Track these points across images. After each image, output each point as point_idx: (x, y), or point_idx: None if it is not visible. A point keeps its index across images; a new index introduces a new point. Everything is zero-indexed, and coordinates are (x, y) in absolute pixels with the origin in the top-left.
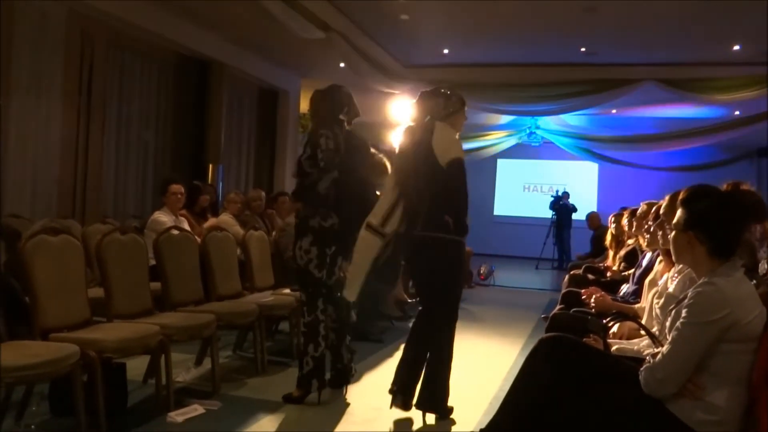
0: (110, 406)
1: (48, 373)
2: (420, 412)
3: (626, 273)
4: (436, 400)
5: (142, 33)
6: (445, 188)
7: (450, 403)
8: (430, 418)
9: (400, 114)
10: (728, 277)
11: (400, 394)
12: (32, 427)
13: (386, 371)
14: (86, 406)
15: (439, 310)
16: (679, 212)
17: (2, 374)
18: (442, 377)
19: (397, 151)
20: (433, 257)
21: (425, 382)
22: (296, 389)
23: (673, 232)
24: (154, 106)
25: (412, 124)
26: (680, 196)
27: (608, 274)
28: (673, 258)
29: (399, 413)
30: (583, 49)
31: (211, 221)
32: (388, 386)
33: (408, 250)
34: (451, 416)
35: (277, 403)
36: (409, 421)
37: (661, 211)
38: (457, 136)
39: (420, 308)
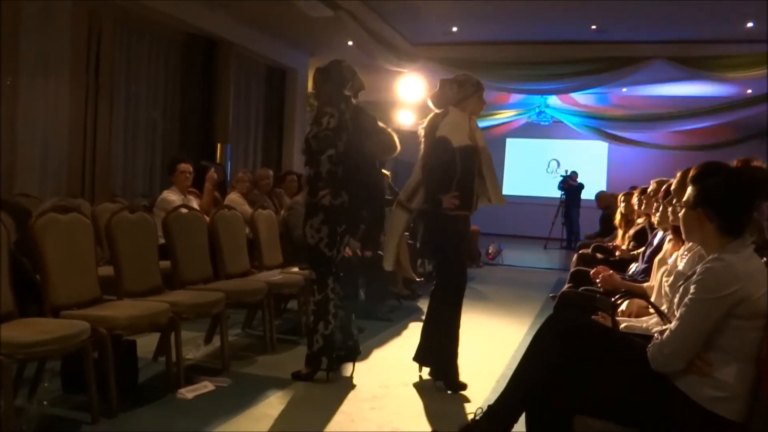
0: (121, 382)
1: (59, 350)
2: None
3: (635, 252)
4: (443, 371)
5: (150, 12)
6: (440, 167)
7: (463, 379)
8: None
9: (408, 93)
10: (738, 254)
11: (423, 364)
12: (45, 403)
13: (394, 349)
14: (97, 383)
15: (438, 283)
16: (689, 189)
17: (14, 350)
18: (448, 350)
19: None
20: (426, 230)
21: (435, 353)
22: (305, 367)
23: (683, 210)
24: (162, 86)
25: (436, 111)
26: (690, 174)
27: (617, 253)
28: (683, 236)
29: (406, 388)
30: (593, 27)
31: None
32: (396, 364)
33: (416, 222)
34: (464, 392)
35: (286, 380)
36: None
37: (672, 189)
38: (466, 121)
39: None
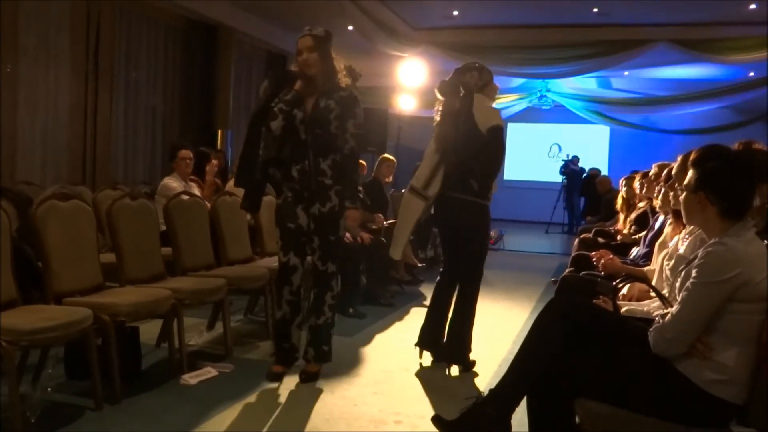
0: (124, 369)
1: (62, 336)
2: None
3: (637, 236)
4: (460, 353)
5: None
6: (481, 153)
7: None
8: (454, 370)
9: (409, 77)
10: (739, 237)
11: (426, 348)
12: (48, 389)
13: (396, 335)
14: (101, 369)
15: (464, 269)
16: (690, 173)
17: (18, 337)
18: (466, 332)
19: (437, 119)
20: (459, 218)
21: (450, 337)
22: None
23: (684, 193)
24: (162, 72)
25: (442, 98)
26: (691, 157)
27: (618, 237)
28: (684, 219)
29: (408, 373)
30: (595, 10)
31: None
32: (398, 349)
33: (442, 209)
34: (474, 369)
35: None
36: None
37: (673, 172)
38: (494, 105)
39: (442, 268)
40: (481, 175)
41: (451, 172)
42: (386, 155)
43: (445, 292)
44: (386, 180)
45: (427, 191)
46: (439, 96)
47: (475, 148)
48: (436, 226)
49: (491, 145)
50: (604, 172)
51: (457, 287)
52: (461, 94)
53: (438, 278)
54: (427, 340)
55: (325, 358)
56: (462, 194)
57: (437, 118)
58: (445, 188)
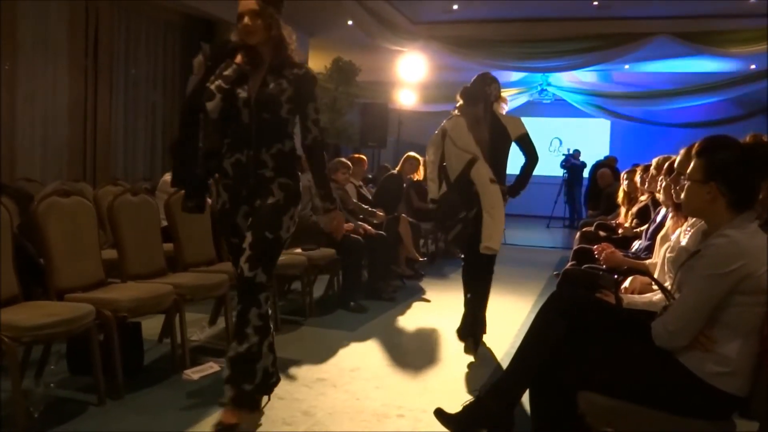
0: (127, 364)
1: (64, 332)
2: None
3: (638, 229)
4: (479, 331)
5: None
6: (506, 155)
7: (463, 360)
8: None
9: (409, 72)
10: (743, 230)
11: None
12: (51, 385)
13: (398, 329)
14: (103, 365)
15: (491, 256)
16: (695, 163)
17: (20, 333)
18: (484, 311)
19: (469, 129)
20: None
21: (473, 316)
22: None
23: (689, 184)
24: (161, 68)
25: (458, 110)
26: (696, 147)
27: (620, 231)
28: (685, 210)
29: (410, 367)
30: (595, 3)
31: None
32: (400, 344)
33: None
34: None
35: (291, 360)
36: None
37: (676, 164)
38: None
39: (469, 259)
40: (526, 173)
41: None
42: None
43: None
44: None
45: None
46: (459, 100)
47: (506, 152)
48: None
49: (528, 150)
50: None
51: (479, 268)
52: (483, 103)
53: (465, 269)
54: (471, 330)
55: (248, 403)
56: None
57: (464, 122)
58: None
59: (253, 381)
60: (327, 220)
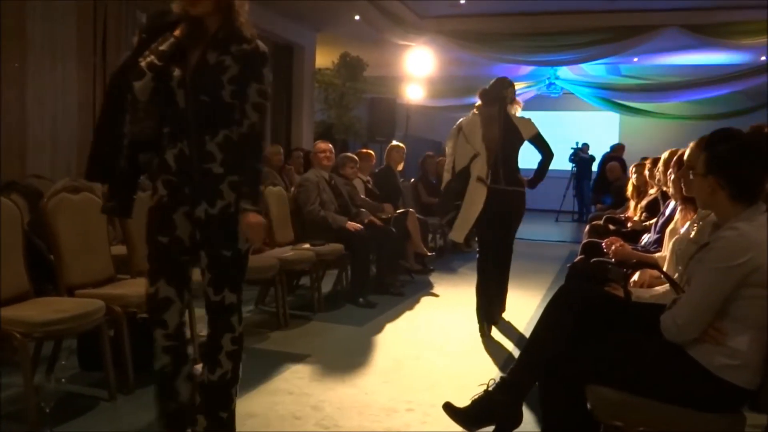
0: (137, 359)
1: (75, 328)
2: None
3: (647, 223)
4: (495, 312)
5: None
6: (516, 153)
7: (472, 354)
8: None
9: (417, 66)
10: (751, 222)
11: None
12: (62, 380)
13: (406, 324)
14: (113, 360)
15: (509, 245)
16: (701, 157)
17: (31, 329)
18: (503, 294)
19: (481, 126)
20: (512, 205)
21: (496, 299)
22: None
23: (694, 178)
24: None
25: (476, 109)
26: (704, 141)
27: (629, 224)
28: (698, 204)
29: (418, 361)
30: None
31: None
32: (408, 338)
33: (496, 199)
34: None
35: (300, 355)
36: None
37: (686, 158)
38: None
39: (483, 250)
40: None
41: (500, 169)
42: (395, 142)
43: (490, 270)
44: (397, 168)
45: (487, 180)
46: (479, 100)
47: (517, 150)
48: (487, 213)
49: (543, 148)
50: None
51: (496, 257)
52: (498, 104)
53: (480, 260)
54: (496, 312)
55: (225, 430)
56: (515, 186)
57: (478, 120)
58: (497, 182)
59: (228, 407)
60: (244, 225)
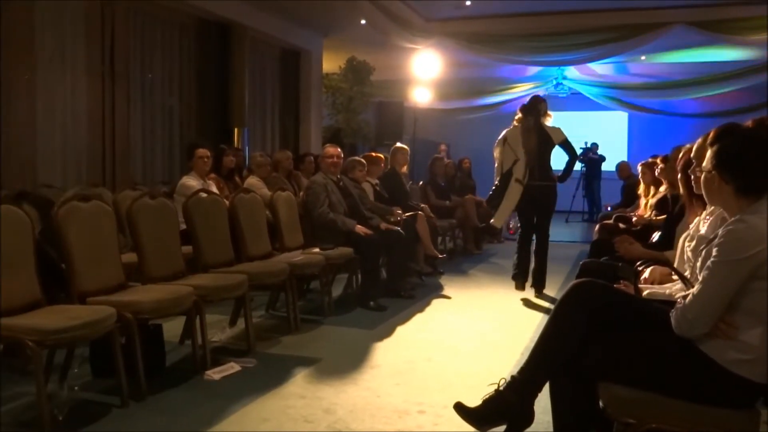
0: (149, 366)
1: (87, 335)
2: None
3: (655, 219)
4: (544, 280)
5: None
6: (549, 155)
7: (483, 355)
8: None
9: (424, 69)
10: (760, 215)
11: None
12: (75, 388)
13: (417, 326)
14: (126, 367)
15: (546, 226)
16: (708, 153)
17: (44, 337)
18: (544, 269)
19: (521, 136)
20: (549, 196)
21: (540, 271)
22: None
23: (702, 174)
24: (177, 72)
25: (516, 121)
26: (709, 137)
27: (634, 219)
28: (706, 200)
29: (430, 363)
30: None
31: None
32: (420, 340)
33: (534, 192)
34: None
35: (311, 359)
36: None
37: (692, 155)
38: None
39: (523, 230)
40: (566, 167)
41: (536, 168)
42: (399, 144)
43: (528, 243)
44: (402, 170)
45: (524, 180)
46: (519, 114)
47: (549, 153)
48: (528, 202)
49: (569, 151)
50: (624, 158)
51: (538, 239)
52: (534, 117)
53: (520, 236)
54: (524, 275)
55: None
56: (548, 182)
57: (519, 131)
58: (534, 179)
59: None
60: None
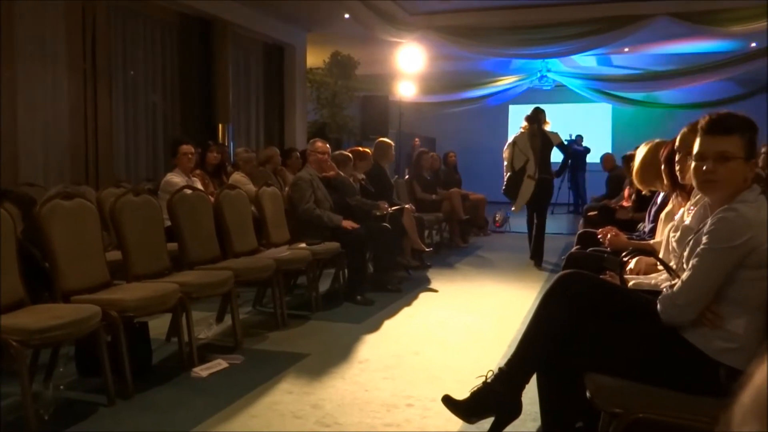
0: (135, 364)
1: (71, 334)
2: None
3: (637, 215)
4: (539, 256)
5: None
6: (549, 155)
7: (471, 348)
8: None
9: (408, 63)
10: (750, 203)
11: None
12: (61, 387)
13: (405, 320)
14: (112, 365)
15: (545, 211)
16: (698, 141)
17: (28, 337)
18: (541, 243)
19: (528, 140)
20: (549, 187)
21: (540, 246)
22: None
23: (694, 163)
24: (160, 69)
25: (523, 128)
26: (700, 124)
27: (616, 210)
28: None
29: (418, 357)
30: None
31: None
32: (407, 334)
33: (538, 184)
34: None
35: (299, 354)
36: None
37: (677, 145)
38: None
39: (529, 214)
40: (563, 163)
41: (540, 165)
42: (382, 138)
43: (533, 224)
44: (385, 164)
45: (535, 175)
46: (524, 122)
47: (549, 153)
48: (534, 193)
49: (564, 151)
50: (608, 149)
51: (537, 221)
52: (536, 124)
53: (528, 220)
54: (538, 254)
55: None
56: (547, 175)
57: (526, 136)
58: (539, 173)
59: None
60: None
